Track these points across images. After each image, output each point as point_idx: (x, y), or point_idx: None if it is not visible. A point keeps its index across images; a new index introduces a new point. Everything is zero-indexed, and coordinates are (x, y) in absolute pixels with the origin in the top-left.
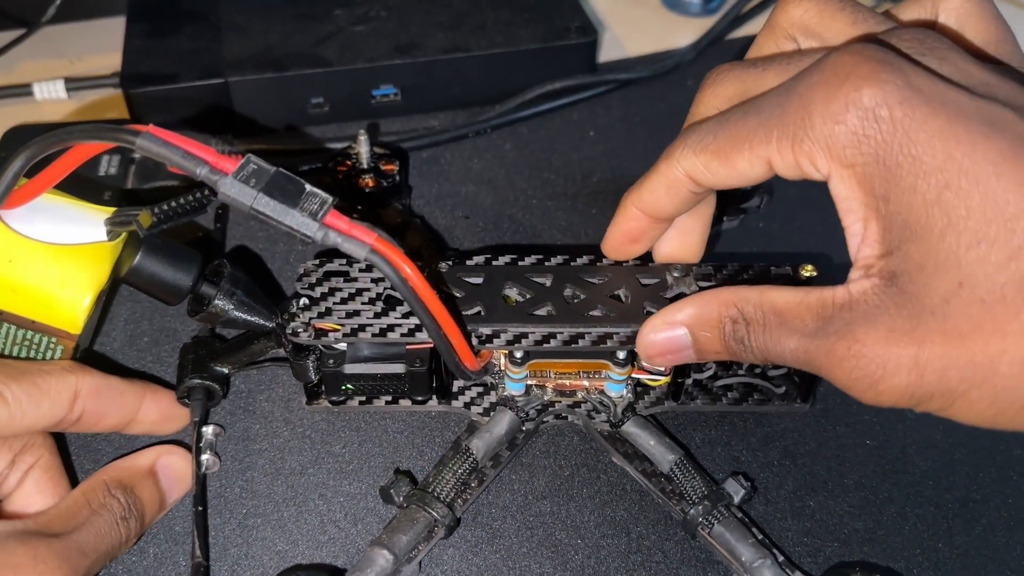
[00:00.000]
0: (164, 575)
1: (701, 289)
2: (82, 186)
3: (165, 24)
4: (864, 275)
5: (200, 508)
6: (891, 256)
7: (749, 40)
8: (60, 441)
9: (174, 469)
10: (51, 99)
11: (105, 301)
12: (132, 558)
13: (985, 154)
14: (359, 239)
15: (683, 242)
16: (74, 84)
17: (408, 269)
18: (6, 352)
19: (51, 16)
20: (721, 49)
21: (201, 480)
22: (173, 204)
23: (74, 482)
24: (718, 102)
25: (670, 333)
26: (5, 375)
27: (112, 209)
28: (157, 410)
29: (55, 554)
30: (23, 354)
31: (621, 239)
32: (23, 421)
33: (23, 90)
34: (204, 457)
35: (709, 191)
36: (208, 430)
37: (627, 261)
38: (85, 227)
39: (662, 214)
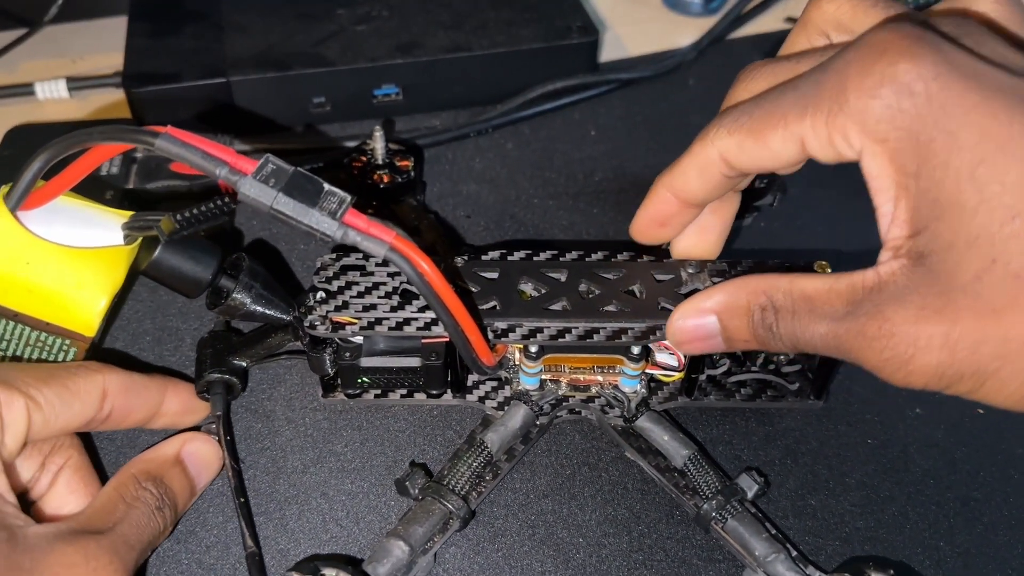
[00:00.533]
0: (167, 573)
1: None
2: (84, 186)
3: (167, 24)
4: (893, 256)
5: (242, 500)
6: (919, 236)
7: (750, 40)
8: (86, 439)
9: (199, 455)
10: (53, 99)
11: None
12: None
13: (1023, 129)
14: (378, 237)
15: (701, 239)
16: (76, 84)
17: (426, 266)
18: (19, 354)
19: (53, 16)
20: (722, 49)
21: (238, 472)
22: (195, 211)
23: (103, 479)
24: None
25: (699, 320)
26: (36, 379)
27: (129, 213)
28: (179, 402)
29: (104, 550)
30: (36, 356)
31: (649, 222)
32: (56, 424)
33: (25, 89)
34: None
35: (741, 176)
36: None
37: (642, 256)
38: (101, 230)
39: (693, 198)
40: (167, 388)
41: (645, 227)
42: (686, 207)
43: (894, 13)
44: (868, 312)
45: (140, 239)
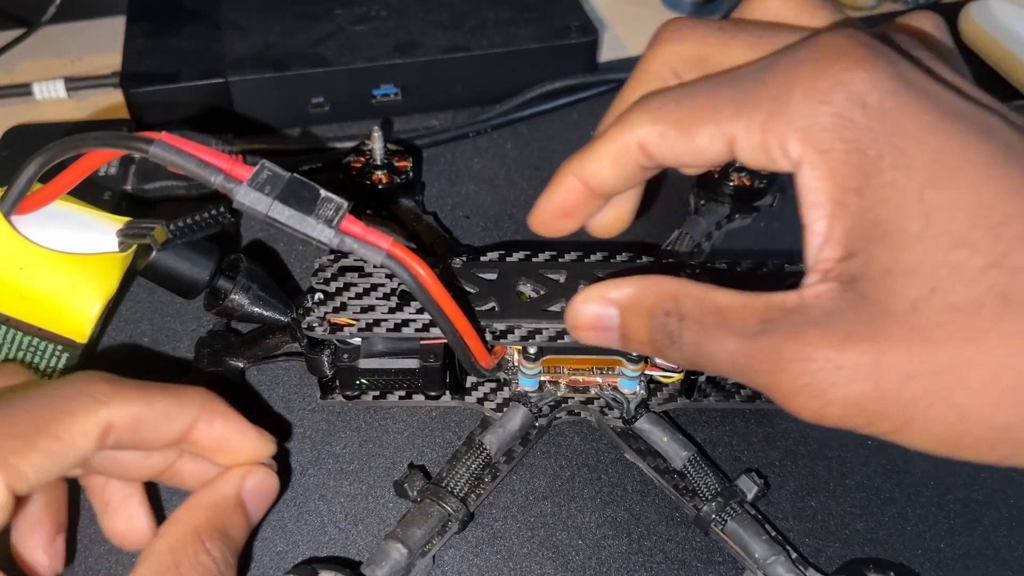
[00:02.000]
0: None
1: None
2: (81, 187)
3: (165, 24)
4: (821, 279)
5: None
6: (853, 259)
7: None
8: None
9: (261, 490)
10: (51, 99)
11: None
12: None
13: (976, 155)
14: (375, 244)
15: (616, 213)
16: (74, 84)
17: (423, 272)
18: (11, 357)
19: (51, 16)
20: None
21: None
22: (189, 221)
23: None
24: (673, 61)
25: (600, 309)
26: (20, 440)
27: (124, 219)
28: (212, 433)
29: None
30: (28, 359)
31: (553, 211)
32: (41, 483)
33: (23, 90)
34: None
35: (658, 168)
36: None
37: (640, 257)
38: (97, 235)
39: (603, 188)
40: (200, 413)
41: (547, 217)
42: (593, 197)
43: (843, 18)
44: (785, 332)
45: (135, 246)
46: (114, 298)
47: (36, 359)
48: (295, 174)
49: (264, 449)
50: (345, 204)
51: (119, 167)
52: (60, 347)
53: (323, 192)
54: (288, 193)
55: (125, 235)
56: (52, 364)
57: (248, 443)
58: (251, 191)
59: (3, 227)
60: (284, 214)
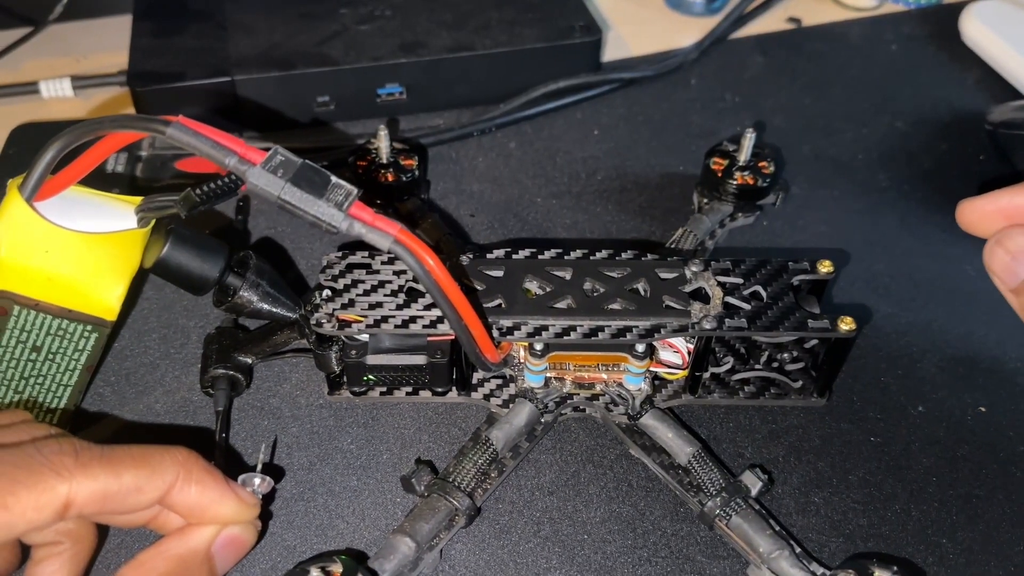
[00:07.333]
0: None
1: (720, 284)
2: (88, 182)
3: (172, 22)
4: None
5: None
6: None
7: (752, 40)
8: None
9: (233, 546)
10: (58, 97)
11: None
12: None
13: None
14: (383, 230)
15: None
16: (81, 83)
17: (431, 260)
18: (39, 344)
19: (58, 14)
20: (724, 49)
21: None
22: (211, 186)
23: None
24: None
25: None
26: None
27: (137, 199)
28: (187, 500)
29: None
30: (57, 345)
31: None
32: None
33: (30, 88)
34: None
35: None
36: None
37: (646, 255)
38: (113, 216)
39: None
40: (175, 481)
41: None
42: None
43: None
44: None
45: (152, 223)
46: (135, 277)
47: (66, 343)
48: (306, 160)
49: (243, 514)
50: (355, 191)
51: (127, 163)
52: (89, 327)
53: (334, 178)
54: (300, 177)
55: (145, 210)
56: (82, 346)
57: (226, 509)
58: (264, 173)
59: (26, 214)
60: (295, 196)
